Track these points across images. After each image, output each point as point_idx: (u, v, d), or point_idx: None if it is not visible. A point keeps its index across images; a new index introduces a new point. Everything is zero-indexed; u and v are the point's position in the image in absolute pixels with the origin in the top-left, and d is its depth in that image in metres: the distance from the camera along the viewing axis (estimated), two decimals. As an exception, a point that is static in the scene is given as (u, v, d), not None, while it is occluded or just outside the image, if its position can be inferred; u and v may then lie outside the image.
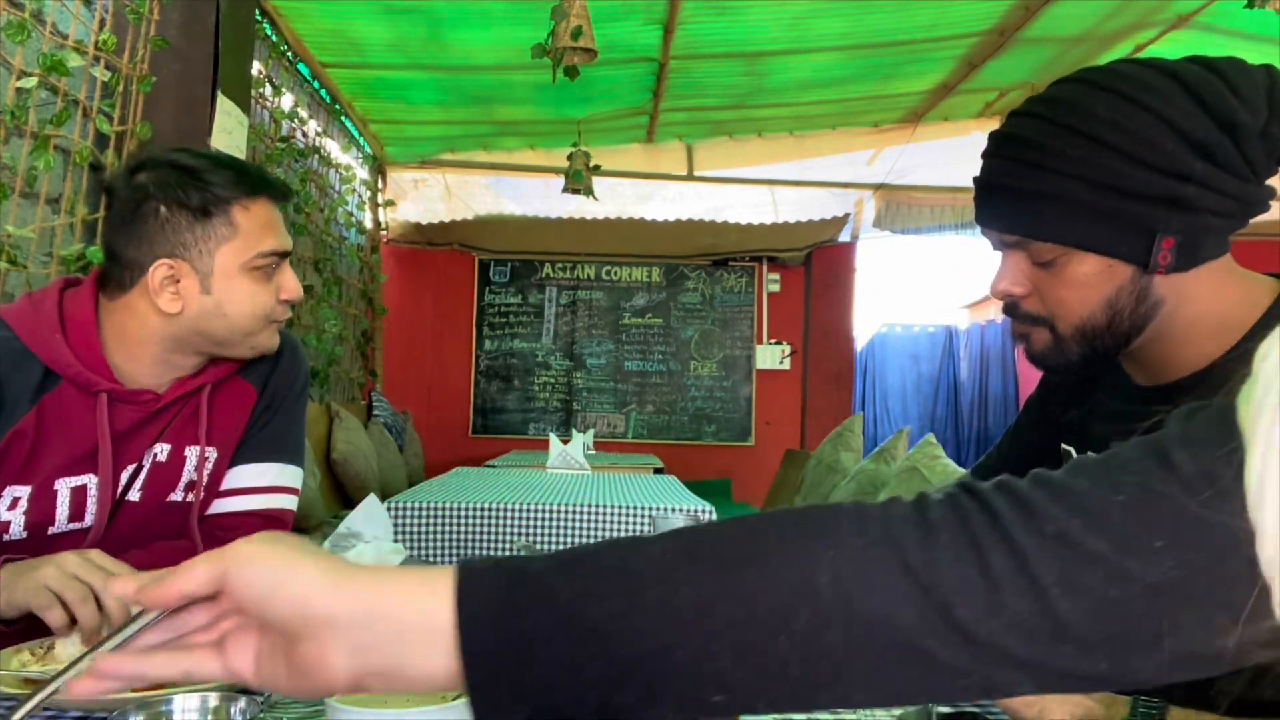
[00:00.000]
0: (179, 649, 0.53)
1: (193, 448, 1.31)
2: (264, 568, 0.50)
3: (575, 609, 0.48)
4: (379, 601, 0.49)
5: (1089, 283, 0.91)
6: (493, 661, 0.48)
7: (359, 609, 0.49)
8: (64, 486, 1.21)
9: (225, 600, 0.52)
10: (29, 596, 1.00)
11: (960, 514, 0.49)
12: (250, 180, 1.25)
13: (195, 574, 0.50)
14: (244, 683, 0.52)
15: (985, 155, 0.96)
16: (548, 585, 0.49)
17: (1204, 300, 0.93)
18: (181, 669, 0.52)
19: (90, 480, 1.23)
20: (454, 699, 0.75)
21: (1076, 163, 0.87)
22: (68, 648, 1.01)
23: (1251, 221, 0.94)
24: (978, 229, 1.03)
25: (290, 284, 1.29)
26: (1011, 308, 0.99)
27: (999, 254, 0.99)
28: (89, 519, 1.24)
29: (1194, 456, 0.48)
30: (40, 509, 1.20)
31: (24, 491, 1.19)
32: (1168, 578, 0.45)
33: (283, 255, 1.28)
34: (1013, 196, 0.92)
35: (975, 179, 0.97)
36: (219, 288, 1.22)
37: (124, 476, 1.27)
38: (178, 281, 1.21)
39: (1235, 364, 0.90)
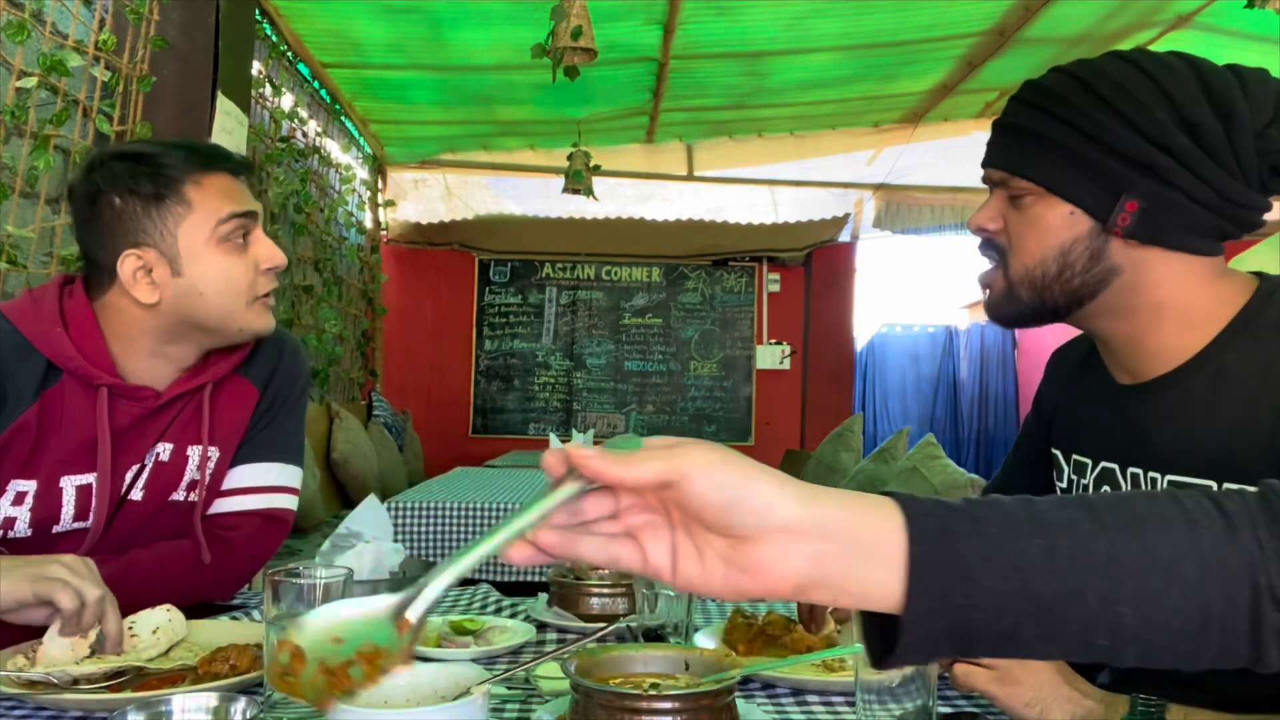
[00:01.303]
0: (604, 537, 0.55)
1: (195, 447, 1.31)
2: (726, 477, 0.52)
3: (1004, 543, 0.53)
4: (840, 518, 0.53)
5: (1049, 227, 0.95)
6: (933, 580, 0.52)
7: (822, 521, 0.53)
8: (69, 484, 1.21)
9: (646, 498, 0.54)
10: (38, 587, 0.98)
11: None
12: (200, 155, 1.23)
13: (648, 468, 0.52)
14: (659, 578, 0.55)
15: (1010, 99, 1.00)
16: (978, 519, 0.54)
17: (1173, 288, 0.94)
18: (608, 555, 0.55)
19: (94, 479, 1.23)
20: (454, 698, 0.76)
21: (1071, 110, 0.92)
22: (55, 644, 1.00)
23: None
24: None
25: (268, 251, 1.26)
26: (984, 243, 1.03)
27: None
28: (93, 518, 1.24)
29: None
30: (46, 506, 1.20)
31: (29, 486, 1.19)
32: None
33: (246, 216, 1.25)
34: (1010, 134, 0.98)
35: (995, 121, 1.02)
36: (190, 268, 1.21)
37: (128, 476, 1.27)
38: (150, 271, 1.21)
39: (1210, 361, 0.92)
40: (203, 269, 1.21)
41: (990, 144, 1.01)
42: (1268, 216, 0.96)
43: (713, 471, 0.52)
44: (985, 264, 1.04)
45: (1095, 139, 0.90)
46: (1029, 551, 0.53)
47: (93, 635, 1.01)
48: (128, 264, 1.20)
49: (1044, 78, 0.97)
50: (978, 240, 1.04)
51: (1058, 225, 0.94)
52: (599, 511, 0.55)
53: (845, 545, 0.53)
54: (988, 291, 1.04)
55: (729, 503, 0.52)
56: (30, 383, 1.18)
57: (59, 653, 0.99)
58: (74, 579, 0.99)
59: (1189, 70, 0.90)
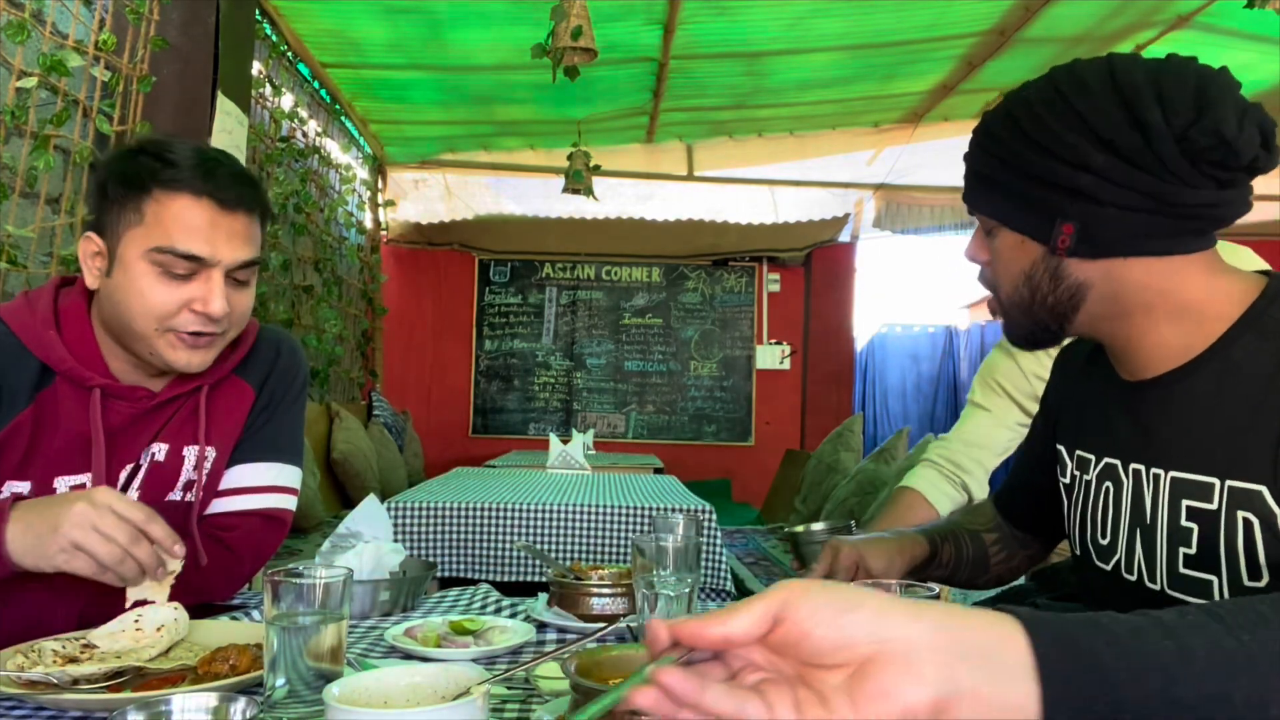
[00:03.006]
0: (733, 686, 0.51)
1: (191, 447, 1.31)
2: (830, 597, 0.50)
3: (1137, 646, 0.50)
4: (956, 627, 0.50)
5: (1010, 256, 1.00)
6: (1073, 687, 0.50)
7: (943, 634, 0.49)
8: (63, 485, 1.21)
9: (756, 655, 0.51)
10: (65, 563, 0.98)
11: None
12: (182, 175, 1.16)
13: (748, 614, 0.50)
14: None
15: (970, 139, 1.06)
16: (1100, 624, 0.51)
17: (1159, 288, 0.94)
18: (733, 703, 0.50)
19: (88, 479, 1.23)
20: (454, 698, 0.76)
21: (1003, 146, 0.97)
22: (141, 593, 1.04)
23: (1253, 221, 0.94)
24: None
25: (208, 298, 1.17)
26: (980, 272, 1.08)
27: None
28: None
29: None
30: None
31: (23, 488, 1.19)
32: None
33: (193, 260, 1.16)
34: (968, 173, 1.03)
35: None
36: (119, 272, 1.18)
37: (122, 476, 1.27)
38: (96, 257, 1.20)
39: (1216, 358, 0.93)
40: (127, 280, 1.17)
41: (964, 183, 1.06)
42: None
43: (814, 594, 0.50)
44: (984, 286, 1.09)
45: (1022, 170, 0.95)
46: (1164, 654, 0.50)
47: (172, 564, 1.04)
48: (84, 244, 1.21)
49: (991, 114, 1.01)
50: (977, 268, 1.08)
51: (1015, 254, 0.99)
52: (715, 678, 0.51)
53: (969, 657, 0.50)
54: (999, 318, 1.08)
55: (839, 618, 0.49)
56: (25, 384, 1.18)
57: (146, 589, 1.04)
58: (96, 548, 0.99)
59: (1107, 84, 0.91)
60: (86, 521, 0.99)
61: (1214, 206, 0.91)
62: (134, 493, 1.28)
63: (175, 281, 1.17)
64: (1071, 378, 1.17)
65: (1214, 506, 0.90)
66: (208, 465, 1.32)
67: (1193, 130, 0.87)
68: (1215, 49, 4.05)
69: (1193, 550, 0.92)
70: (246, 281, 1.24)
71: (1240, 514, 0.88)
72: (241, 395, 1.36)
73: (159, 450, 1.29)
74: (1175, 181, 0.89)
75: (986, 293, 1.08)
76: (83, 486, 1.22)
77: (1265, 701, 0.50)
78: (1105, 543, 1.04)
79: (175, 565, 1.06)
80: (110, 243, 1.19)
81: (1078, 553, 1.11)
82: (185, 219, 1.16)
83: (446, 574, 2.46)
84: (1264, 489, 0.86)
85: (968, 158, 1.03)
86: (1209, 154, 0.88)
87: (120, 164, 1.20)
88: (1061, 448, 1.15)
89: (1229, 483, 0.89)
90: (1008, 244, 0.99)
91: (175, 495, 1.31)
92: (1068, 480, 1.13)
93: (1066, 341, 1.22)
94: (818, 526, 1.53)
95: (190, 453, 1.31)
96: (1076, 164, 0.91)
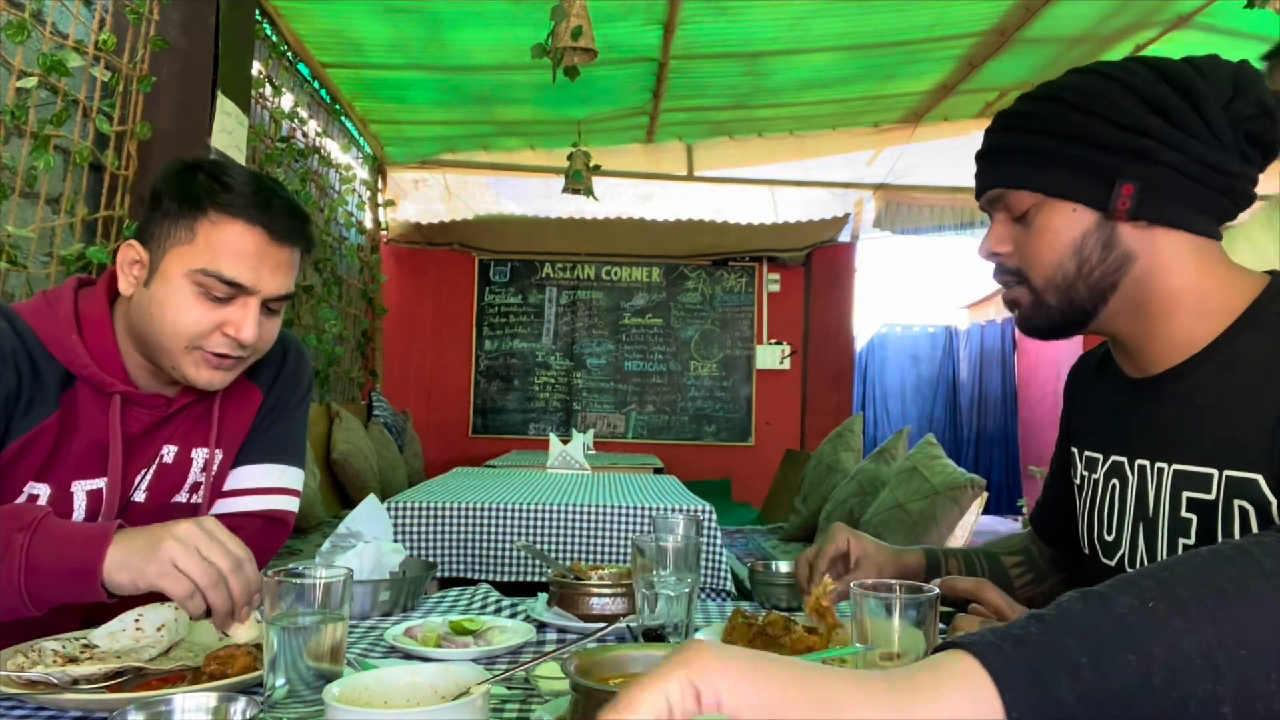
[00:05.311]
0: None
1: (200, 450, 1.31)
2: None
3: (1099, 674, 0.51)
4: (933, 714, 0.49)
5: (1057, 230, 0.98)
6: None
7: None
8: (80, 489, 1.21)
9: None
10: (159, 579, 0.97)
11: None
12: (239, 201, 1.17)
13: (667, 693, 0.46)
14: None
15: (986, 131, 1.06)
16: (1064, 649, 0.51)
17: (1184, 273, 0.96)
18: None
19: (104, 484, 1.23)
20: (454, 698, 0.76)
21: (1045, 120, 0.98)
22: (209, 632, 1.01)
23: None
24: (977, 229, 1.08)
25: (241, 324, 1.18)
26: (998, 268, 1.07)
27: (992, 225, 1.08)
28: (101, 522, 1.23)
29: None
30: (57, 511, 1.19)
31: (42, 490, 1.19)
32: None
33: (235, 287, 1.17)
34: (995, 154, 1.03)
35: (976, 154, 1.06)
36: (158, 285, 1.18)
37: (136, 480, 1.27)
38: (135, 265, 1.20)
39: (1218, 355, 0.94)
40: (165, 294, 1.17)
41: (978, 174, 1.05)
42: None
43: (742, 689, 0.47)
44: (1002, 283, 1.08)
45: (1075, 139, 0.96)
46: (1125, 676, 0.50)
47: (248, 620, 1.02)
48: (125, 250, 1.21)
49: (1012, 104, 1.03)
50: (992, 266, 1.07)
51: (1065, 225, 0.98)
52: None
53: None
54: (1016, 309, 1.07)
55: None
56: (53, 387, 1.18)
57: (234, 627, 1.02)
58: (193, 570, 0.97)
59: (1144, 67, 0.96)
60: (191, 544, 0.98)
61: (1243, 180, 0.95)
62: (141, 494, 1.28)
63: (213, 304, 1.18)
64: (1084, 386, 1.20)
65: (1212, 497, 0.92)
66: (215, 468, 1.32)
67: (1236, 101, 0.91)
68: (1215, 49, 4.01)
69: (1192, 541, 0.94)
70: (278, 310, 1.24)
71: (1237, 503, 0.89)
72: (250, 397, 1.36)
73: (168, 453, 1.29)
74: (1220, 148, 0.92)
75: (986, 293, 1.10)
76: (99, 491, 1.22)
77: (1218, 698, 0.50)
78: (1110, 539, 1.05)
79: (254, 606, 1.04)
80: (154, 255, 1.19)
81: (1086, 551, 1.13)
82: (236, 245, 1.17)
83: (446, 574, 2.46)
84: (1259, 477, 0.88)
85: (996, 140, 1.03)
86: (1251, 122, 0.91)
87: (178, 179, 1.19)
88: (1074, 450, 1.17)
89: (1227, 473, 0.91)
90: (1057, 216, 0.98)
91: (181, 498, 1.31)
92: (1078, 481, 1.15)
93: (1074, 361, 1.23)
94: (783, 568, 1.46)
95: (199, 455, 1.31)
96: (1135, 128, 0.93)
